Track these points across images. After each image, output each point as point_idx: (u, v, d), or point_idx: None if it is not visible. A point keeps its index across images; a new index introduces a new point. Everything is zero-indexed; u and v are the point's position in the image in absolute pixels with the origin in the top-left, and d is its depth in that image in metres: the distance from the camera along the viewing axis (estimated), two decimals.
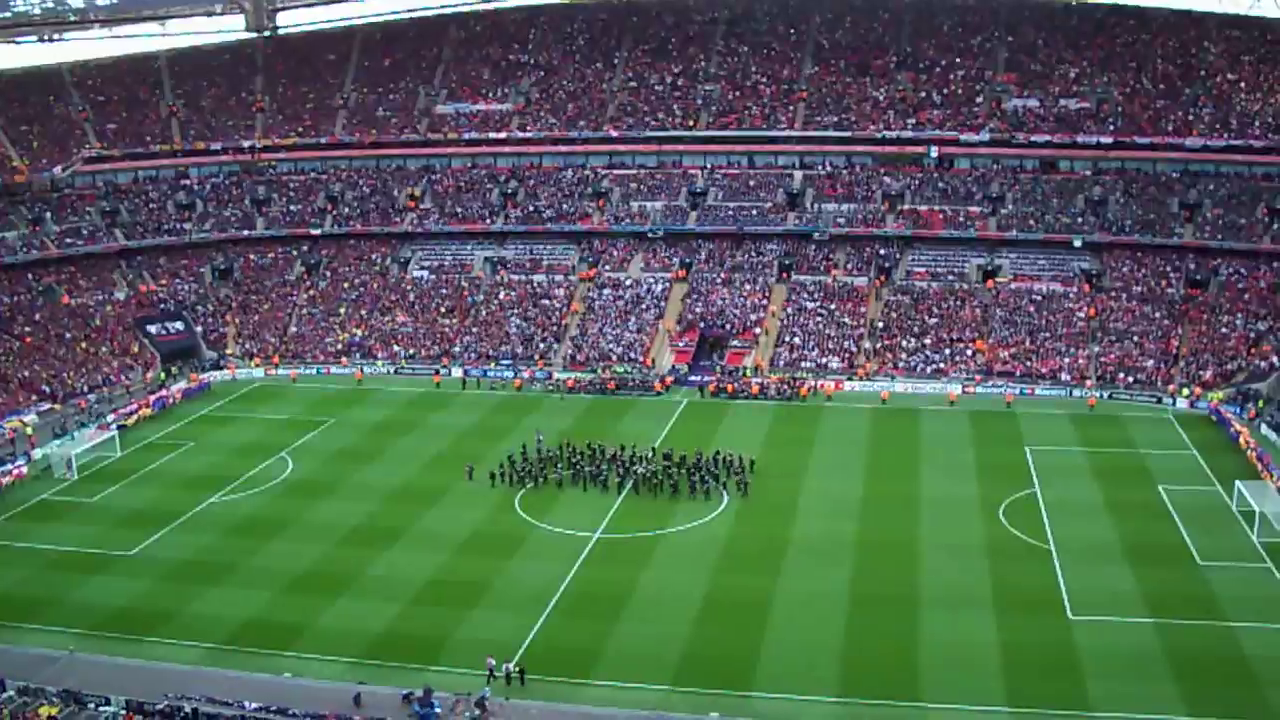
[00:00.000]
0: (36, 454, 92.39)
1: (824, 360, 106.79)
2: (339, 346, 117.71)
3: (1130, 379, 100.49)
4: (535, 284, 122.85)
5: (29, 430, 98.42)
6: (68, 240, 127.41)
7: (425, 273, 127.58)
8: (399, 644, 58.89)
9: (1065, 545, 68.00)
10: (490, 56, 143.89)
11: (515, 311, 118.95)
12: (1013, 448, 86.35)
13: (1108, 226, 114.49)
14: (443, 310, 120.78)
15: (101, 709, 53.02)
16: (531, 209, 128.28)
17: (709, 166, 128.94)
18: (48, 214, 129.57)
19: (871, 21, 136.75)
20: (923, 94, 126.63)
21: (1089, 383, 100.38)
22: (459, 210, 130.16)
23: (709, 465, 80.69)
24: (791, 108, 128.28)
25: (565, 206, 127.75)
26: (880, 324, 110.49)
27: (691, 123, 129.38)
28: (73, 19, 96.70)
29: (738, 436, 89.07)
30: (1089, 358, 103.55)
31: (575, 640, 58.32)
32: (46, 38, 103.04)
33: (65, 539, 75.74)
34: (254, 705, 52.33)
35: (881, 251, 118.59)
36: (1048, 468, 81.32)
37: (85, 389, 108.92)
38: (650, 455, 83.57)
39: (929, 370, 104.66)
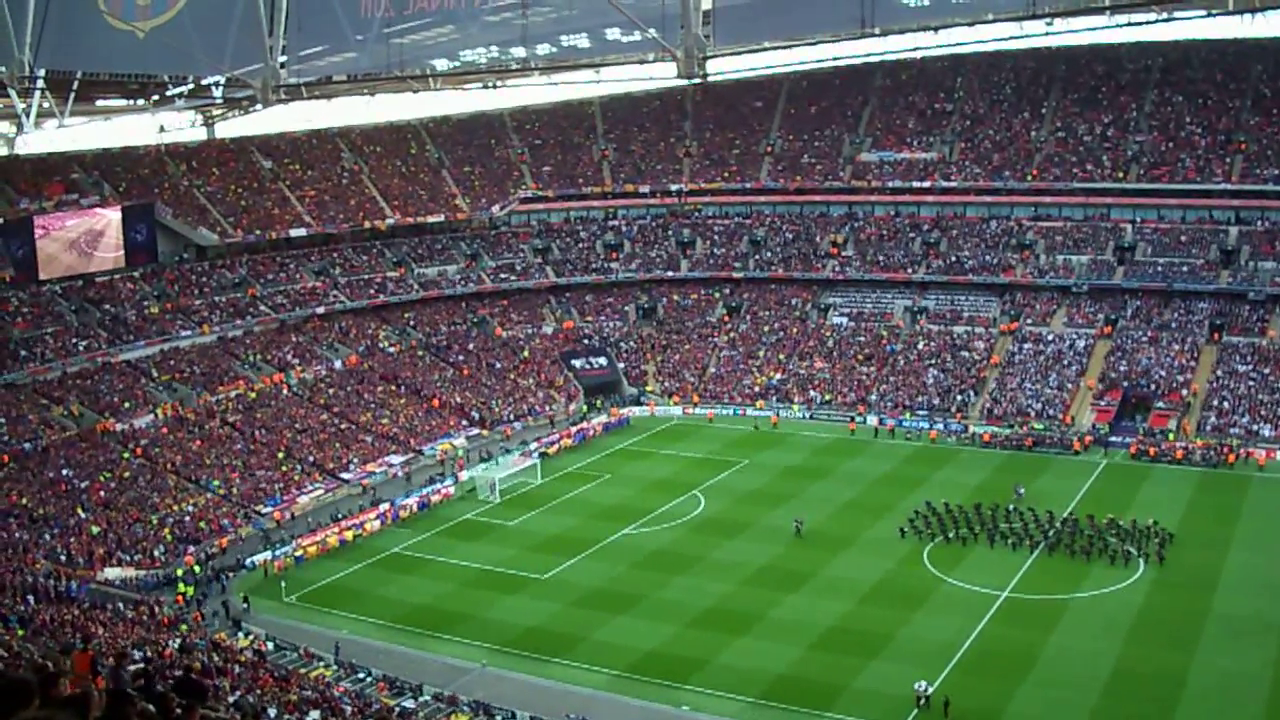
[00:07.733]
0: (464, 475, 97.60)
1: (1255, 427, 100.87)
2: (756, 389, 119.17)
3: None
4: (955, 335, 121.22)
5: (460, 453, 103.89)
6: (502, 275, 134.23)
7: (844, 319, 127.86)
8: (797, 687, 58.90)
9: None
10: (915, 105, 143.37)
11: (933, 362, 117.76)
12: None
13: None
14: (860, 358, 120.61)
15: None
16: (953, 259, 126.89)
17: (1138, 220, 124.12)
18: (485, 250, 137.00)
19: None
20: None
21: None
22: (880, 258, 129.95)
23: (1126, 530, 77.58)
24: (1228, 160, 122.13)
25: (988, 258, 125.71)
26: None
27: (1121, 174, 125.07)
28: (515, 67, 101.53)
29: (1158, 502, 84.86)
30: None
31: (977, 699, 56.86)
32: (491, 85, 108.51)
33: (484, 558, 79.87)
34: None
35: None
36: None
37: (511, 417, 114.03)
38: (1066, 516, 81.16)
39: None
